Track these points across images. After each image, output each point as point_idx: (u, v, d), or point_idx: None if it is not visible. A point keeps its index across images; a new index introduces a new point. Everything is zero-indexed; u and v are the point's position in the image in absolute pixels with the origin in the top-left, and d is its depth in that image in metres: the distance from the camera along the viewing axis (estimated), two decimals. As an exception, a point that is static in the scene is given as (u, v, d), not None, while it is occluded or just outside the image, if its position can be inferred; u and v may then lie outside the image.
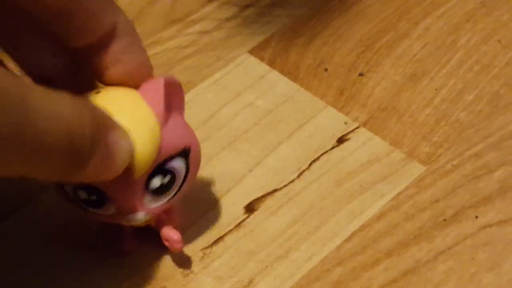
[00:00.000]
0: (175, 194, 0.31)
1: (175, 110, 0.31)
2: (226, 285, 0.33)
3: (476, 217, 0.35)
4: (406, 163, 0.37)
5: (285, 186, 0.36)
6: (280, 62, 0.41)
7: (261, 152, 0.38)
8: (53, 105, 0.25)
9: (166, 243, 0.33)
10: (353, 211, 0.35)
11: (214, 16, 0.44)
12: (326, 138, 0.38)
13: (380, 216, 0.35)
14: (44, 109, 0.24)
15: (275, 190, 0.36)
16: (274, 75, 0.41)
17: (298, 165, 0.37)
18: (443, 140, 0.38)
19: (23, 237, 0.35)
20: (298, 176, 0.37)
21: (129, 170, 0.29)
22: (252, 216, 0.35)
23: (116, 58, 0.30)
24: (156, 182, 0.30)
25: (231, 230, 0.35)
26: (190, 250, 0.34)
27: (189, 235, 0.34)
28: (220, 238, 0.34)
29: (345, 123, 0.39)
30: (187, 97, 0.39)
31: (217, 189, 0.36)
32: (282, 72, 0.41)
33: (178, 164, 0.31)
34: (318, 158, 0.37)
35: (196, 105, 0.39)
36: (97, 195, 0.30)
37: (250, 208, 0.35)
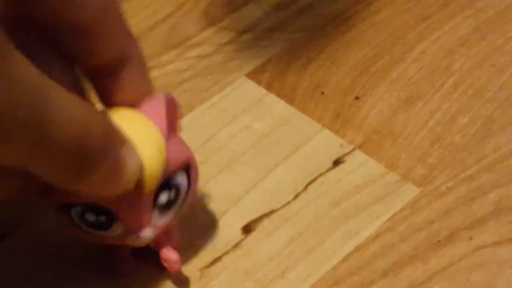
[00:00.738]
0: (179, 209, 0.32)
1: (174, 126, 0.31)
2: (224, 305, 0.33)
3: (471, 238, 0.35)
4: (401, 185, 0.37)
5: (282, 207, 0.37)
6: (277, 85, 0.42)
7: (258, 174, 0.38)
8: (72, 106, 0.25)
9: (165, 263, 0.33)
10: (349, 232, 0.36)
11: (212, 41, 0.45)
12: (322, 160, 0.38)
13: (375, 237, 0.35)
14: (64, 106, 0.25)
15: (272, 211, 0.37)
16: (271, 99, 0.41)
17: (295, 186, 0.37)
18: (438, 163, 0.38)
19: (20, 258, 0.35)
20: (295, 197, 0.37)
21: (138, 186, 0.29)
22: (249, 236, 0.36)
23: (123, 86, 0.30)
24: (164, 197, 0.31)
25: (228, 250, 0.35)
26: (188, 270, 0.34)
27: (187, 255, 0.35)
28: (218, 258, 0.35)
29: (341, 145, 0.39)
30: (185, 120, 0.40)
31: (215, 210, 0.36)
32: (279, 95, 0.41)
33: (181, 179, 0.31)
34: (314, 180, 0.38)
35: (194, 127, 0.40)
36: (106, 215, 0.30)
37: (247, 229, 0.36)
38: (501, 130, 0.39)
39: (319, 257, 0.35)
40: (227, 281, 0.34)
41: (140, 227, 0.31)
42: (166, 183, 0.31)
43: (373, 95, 0.41)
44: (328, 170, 0.38)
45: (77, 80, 0.31)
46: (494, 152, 0.38)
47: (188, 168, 0.32)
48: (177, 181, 0.31)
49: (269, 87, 0.42)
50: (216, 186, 0.37)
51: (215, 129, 0.40)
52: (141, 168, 0.29)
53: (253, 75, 0.43)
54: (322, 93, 0.42)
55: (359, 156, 0.39)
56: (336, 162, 0.38)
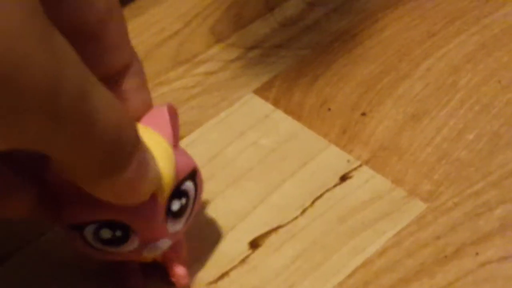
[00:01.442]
0: (189, 216, 0.32)
1: (177, 135, 0.32)
2: (231, 320, 0.34)
3: (477, 253, 0.35)
4: (408, 200, 0.37)
5: (288, 222, 0.37)
6: (284, 101, 0.42)
7: (265, 190, 0.38)
8: (108, 93, 0.25)
9: (173, 278, 0.33)
10: (355, 247, 0.36)
11: (220, 58, 0.45)
12: (329, 176, 0.39)
13: (382, 252, 0.35)
14: (104, 92, 0.25)
15: (279, 227, 0.37)
16: (278, 115, 0.42)
17: (302, 202, 0.38)
18: (444, 179, 0.38)
19: (26, 276, 0.35)
20: (302, 213, 0.37)
21: (153, 196, 0.30)
22: (256, 252, 0.36)
23: (124, 97, 0.31)
24: (176, 204, 0.31)
25: (235, 265, 0.35)
26: (195, 285, 0.34)
27: (194, 270, 0.35)
28: (225, 273, 0.35)
29: (348, 161, 0.39)
30: (193, 136, 0.40)
31: (222, 225, 0.37)
32: (286, 111, 0.42)
33: (189, 186, 0.31)
34: (321, 195, 0.38)
35: (201, 144, 0.40)
36: (122, 230, 0.30)
37: (254, 244, 0.36)
38: (508, 146, 0.40)
39: (326, 272, 0.35)
40: (234, 296, 0.34)
41: (157, 238, 0.31)
42: (177, 190, 0.31)
43: (380, 111, 0.42)
44: (335, 185, 0.38)
45: None
46: (501, 168, 0.38)
47: (195, 174, 0.32)
48: (186, 187, 0.31)
49: (276, 103, 0.42)
50: (223, 202, 0.38)
51: (223, 145, 0.40)
52: (159, 177, 0.29)
53: (260, 91, 0.43)
54: (329, 109, 0.42)
55: (366, 172, 0.39)
56: (343, 178, 0.39)
